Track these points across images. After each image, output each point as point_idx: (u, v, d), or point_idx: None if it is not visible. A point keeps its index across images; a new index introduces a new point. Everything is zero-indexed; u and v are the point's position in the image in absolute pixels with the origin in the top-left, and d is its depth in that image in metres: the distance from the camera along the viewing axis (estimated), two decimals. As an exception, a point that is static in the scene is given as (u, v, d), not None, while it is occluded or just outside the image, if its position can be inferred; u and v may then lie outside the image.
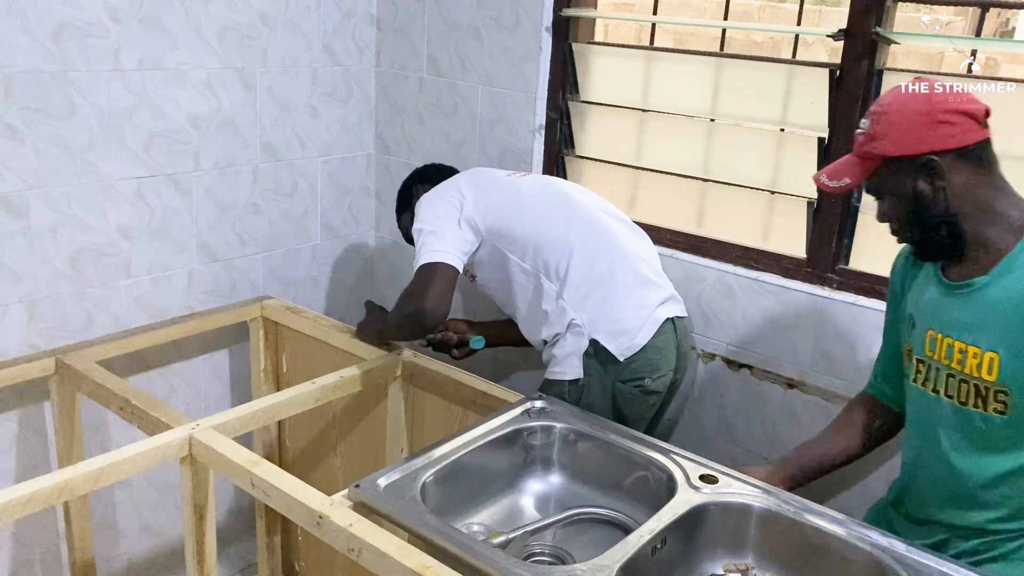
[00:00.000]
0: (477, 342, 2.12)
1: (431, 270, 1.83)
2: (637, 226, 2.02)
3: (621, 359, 1.79)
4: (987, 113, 1.30)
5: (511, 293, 1.93)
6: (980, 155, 1.30)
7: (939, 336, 1.35)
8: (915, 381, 1.42)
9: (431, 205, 1.93)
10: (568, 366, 1.82)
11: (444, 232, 1.87)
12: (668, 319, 1.84)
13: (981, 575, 1.28)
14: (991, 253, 1.30)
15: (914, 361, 1.42)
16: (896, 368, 1.54)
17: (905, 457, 1.50)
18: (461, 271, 1.87)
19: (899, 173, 1.31)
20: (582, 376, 1.81)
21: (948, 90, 1.30)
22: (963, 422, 1.34)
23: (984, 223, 1.30)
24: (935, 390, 1.37)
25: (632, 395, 1.82)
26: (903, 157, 1.30)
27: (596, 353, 1.80)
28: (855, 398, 1.66)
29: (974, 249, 1.32)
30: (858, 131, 1.37)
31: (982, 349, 1.28)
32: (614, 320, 1.80)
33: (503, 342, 2.14)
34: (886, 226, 1.41)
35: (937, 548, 1.39)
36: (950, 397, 1.34)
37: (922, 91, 1.31)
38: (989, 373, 1.28)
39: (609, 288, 1.82)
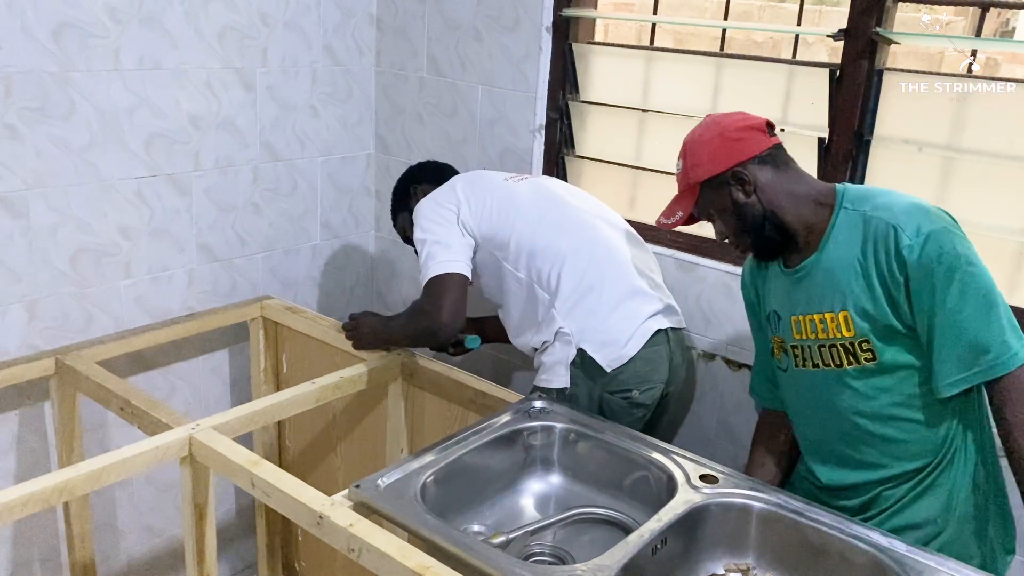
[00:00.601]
0: (472, 341, 2.12)
1: (442, 283, 1.81)
2: (636, 234, 1.99)
3: (608, 370, 1.76)
4: (768, 124, 1.53)
5: (506, 300, 1.92)
6: (775, 158, 1.51)
7: (800, 317, 1.51)
8: (797, 365, 1.55)
9: (431, 213, 1.90)
10: (555, 375, 1.80)
11: (449, 241, 1.85)
12: (660, 330, 1.81)
13: (981, 574, 1.29)
14: (816, 232, 1.48)
15: (789, 349, 1.56)
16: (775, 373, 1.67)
17: (806, 439, 1.62)
18: (471, 278, 1.86)
19: (716, 190, 1.52)
20: (568, 386, 1.79)
21: (730, 115, 1.55)
22: (849, 382, 1.47)
23: (799, 208, 1.49)
24: (815, 365, 1.51)
25: (619, 407, 1.79)
26: (714, 177, 1.51)
27: (583, 363, 1.78)
28: (761, 420, 1.76)
29: (804, 234, 1.50)
30: (676, 172, 1.59)
31: (835, 311, 1.45)
32: (601, 330, 1.78)
33: (501, 338, 2.13)
34: None
35: (867, 507, 1.51)
36: (827, 365, 1.49)
37: (710, 122, 1.55)
38: (848, 330, 1.44)
39: (598, 298, 1.79)
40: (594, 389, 1.79)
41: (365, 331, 2.04)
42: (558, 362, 1.80)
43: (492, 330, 2.13)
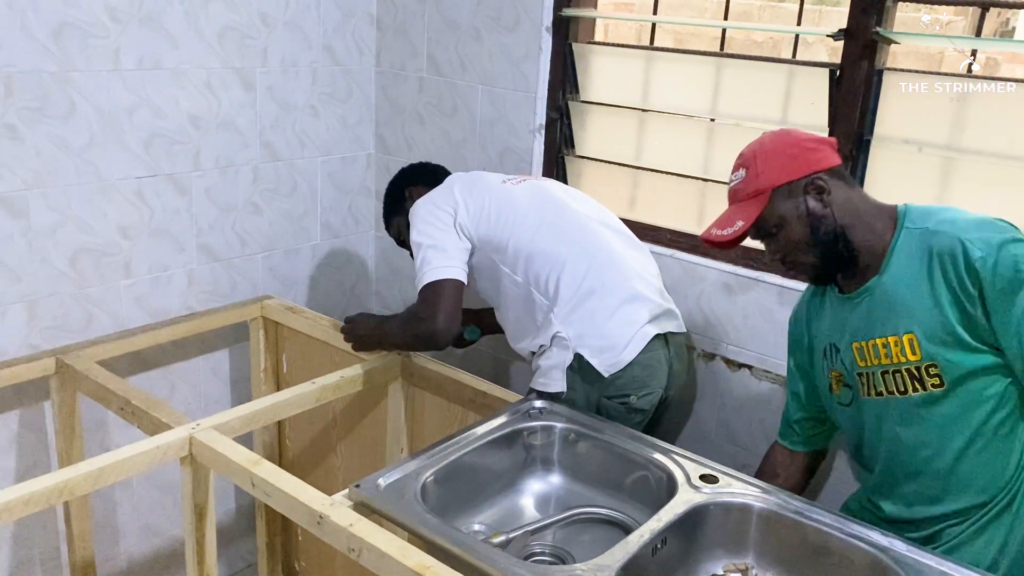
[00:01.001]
0: (471, 332, 2.11)
1: (438, 289, 1.80)
2: (636, 238, 1.97)
3: (606, 375, 1.74)
4: (837, 143, 1.50)
5: (502, 303, 1.91)
6: (844, 174, 1.48)
7: (863, 343, 1.45)
8: (864, 395, 1.47)
9: (428, 215, 1.88)
10: (551, 379, 1.79)
11: (446, 245, 1.84)
12: (659, 335, 1.79)
13: (981, 575, 1.29)
14: (877, 253, 1.43)
15: (855, 377, 1.49)
16: (806, 413, 1.66)
17: (870, 473, 1.54)
18: (466, 282, 1.85)
19: (790, 197, 1.45)
20: (565, 390, 1.77)
21: (799, 129, 1.52)
22: (914, 410, 1.41)
23: (864, 229, 1.43)
24: (879, 393, 1.44)
25: (617, 412, 1.77)
26: (791, 182, 1.44)
27: (580, 368, 1.76)
28: (773, 455, 1.71)
29: (866, 256, 1.44)
30: (732, 183, 1.51)
31: (900, 334, 1.39)
32: (599, 335, 1.76)
33: (499, 329, 2.10)
34: None
35: (929, 541, 1.44)
36: (891, 392, 1.42)
37: (781, 132, 1.51)
38: (914, 353, 1.37)
39: (597, 303, 1.77)
40: (591, 394, 1.78)
41: (360, 333, 2.04)
42: (555, 366, 1.78)
43: (489, 320, 2.11)
